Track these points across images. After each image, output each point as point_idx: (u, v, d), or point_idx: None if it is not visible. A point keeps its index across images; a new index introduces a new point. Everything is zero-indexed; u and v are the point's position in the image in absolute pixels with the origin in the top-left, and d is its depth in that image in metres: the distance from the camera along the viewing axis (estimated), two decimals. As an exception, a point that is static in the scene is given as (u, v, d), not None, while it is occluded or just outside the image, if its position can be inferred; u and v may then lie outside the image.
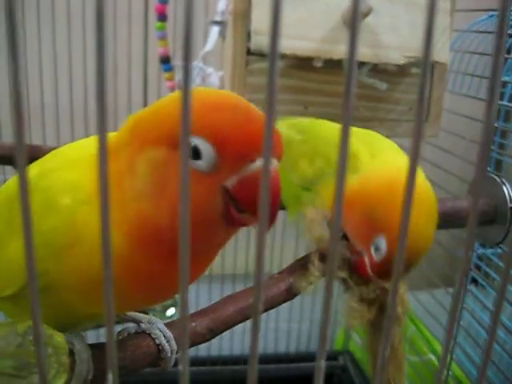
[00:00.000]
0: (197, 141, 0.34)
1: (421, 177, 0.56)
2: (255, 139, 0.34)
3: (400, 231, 0.51)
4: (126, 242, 0.36)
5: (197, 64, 0.87)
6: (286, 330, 1.24)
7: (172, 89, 0.93)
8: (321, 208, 0.60)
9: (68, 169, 0.40)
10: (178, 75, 0.90)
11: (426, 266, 1.00)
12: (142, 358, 0.46)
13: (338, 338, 1.27)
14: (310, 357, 1.25)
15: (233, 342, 1.19)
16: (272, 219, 0.35)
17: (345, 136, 0.26)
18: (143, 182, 0.35)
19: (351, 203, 0.52)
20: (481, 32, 0.87)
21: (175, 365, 0.48)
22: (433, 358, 0.94)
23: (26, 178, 0.24)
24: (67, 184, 0.38)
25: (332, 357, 1.24)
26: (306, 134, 0.66)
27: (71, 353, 0.40)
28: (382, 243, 0.52)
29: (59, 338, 0.38)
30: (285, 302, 0.60)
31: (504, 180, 0.73)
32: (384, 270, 0.52)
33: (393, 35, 0.72)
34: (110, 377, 0.28)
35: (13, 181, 0.43)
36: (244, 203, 0.35)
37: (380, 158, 0.58)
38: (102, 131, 0.23)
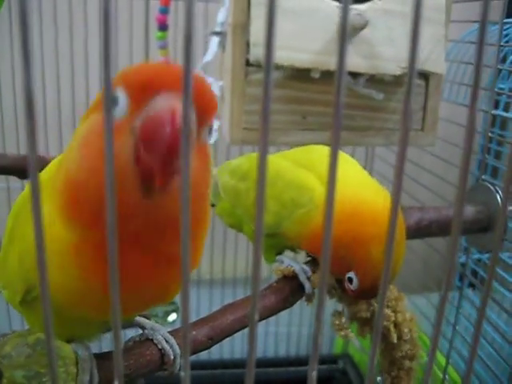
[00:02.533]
0: (116, 91, 0.34)
1: (383, 203, 0.59)
2: (156, 74, 0.34)
3: (367, 266, 0.56)
4: (63, 220, 0.35)
5: (197, 73, 0.88)
6: (286, 333, 1.25)
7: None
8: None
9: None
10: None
11: (422, 270, 1.01)
12: (145, 365, 0.48)
13: (337, 342, 1.28)
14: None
15: (233, 345, 1.21)
16: (168, 167, 0.32)
17: (334, 157, 0.27)
18: (73, 151, 0.36)
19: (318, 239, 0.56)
20: (475, 43, 0.88)
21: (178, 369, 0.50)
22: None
23: (38, 188, 0.25)
24: None
25: (332, 360, 1.26)
26: (248, 180, 0.68)
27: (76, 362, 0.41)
28: (354, 278, 0.58)
29: (66, 348, 0.40)
30: (284, 309, 0.62)
31: (498, 189, 0.74)
32: (361, 295, 0.60)
33: (389, 47, 0.74)
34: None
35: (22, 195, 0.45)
36: (146, 140, 0.32)
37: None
38: (108, 144, 0.25)
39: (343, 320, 0.68)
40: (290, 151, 0.73)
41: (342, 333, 0.69)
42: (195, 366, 1.18)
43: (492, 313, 0.94)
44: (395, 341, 0.65)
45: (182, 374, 0.30)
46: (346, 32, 0.25)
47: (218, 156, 1.04)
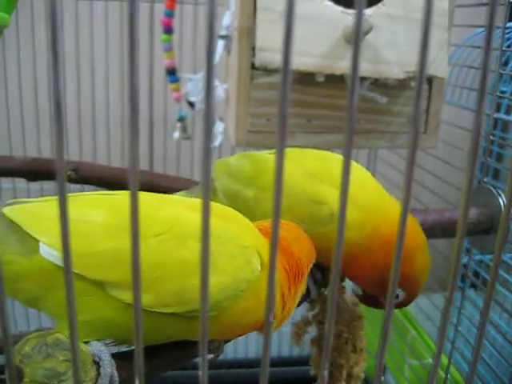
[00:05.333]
0: None
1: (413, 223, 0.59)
2: None
3: (412, 276, 0.57)
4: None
5: (202, 76, 0.89)
6: (289, 333, 1.26)
7: (178, 100, 0.96)
8: None
9: None
10: (185, 87, 0.92)
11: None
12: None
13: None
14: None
15: (248, 345, 1.23)
16: None
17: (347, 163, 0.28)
18: None
19: (364, 263, 0.56)
20: (477, 47, 0.89)
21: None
22: (432, 362, 0.97)
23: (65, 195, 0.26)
24: None
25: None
26: (257, 187, 0.64)
27: (97, 365, 0.42)
28: (400, 293, 0.60)
29: (84, 348, 0.41)
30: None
31: (500, 191, 0.75)
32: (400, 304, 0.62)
33: (393, 51, 0.75)
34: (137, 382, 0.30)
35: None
36: None
37: (356, 202, 0.57)
38: (133, 145, 0.26)
39: (306, 329, 0.72)
40: (303, 158, 0.68)
41: (297, 337, 0.73)
42: (210, 365, 1.19)
43: (494, 313, 0.95)
44: None
45: (200, 373, 0.31)
46: (360, 37, 0.26)
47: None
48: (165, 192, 0.58)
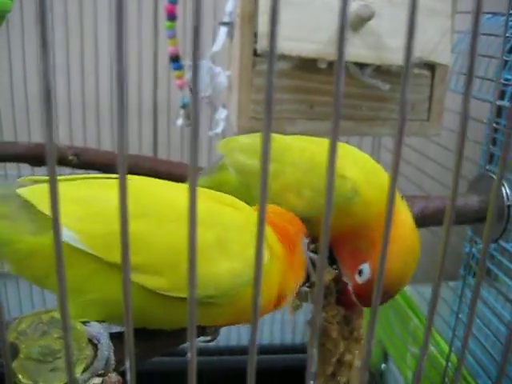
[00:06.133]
0: None
1: (405, 213, 0.59)
2: None
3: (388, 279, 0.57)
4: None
5: (206, 63, 0.89)
6: (292, 321, 1.27)
7: (181, 87, 0.96)
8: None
9: None
10: (188, 74, 0.93)
11: (428, 260, 1.02)
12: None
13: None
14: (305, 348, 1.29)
15: (240, 333, 1.23)
16: None
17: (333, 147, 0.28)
18: None
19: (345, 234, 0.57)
20: (482, 34, 0.89)
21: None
22: (433, 350, 0.97)
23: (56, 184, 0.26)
24: None
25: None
26: (279, 162, 0.63)
27: (94, 346, 0.43)
28: (366, 269, 0.57)
29: (79, 327, 0.41)
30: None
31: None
32: (364, 294, 0.58)
33: (394, 37, 0.74)
34: (127, 364, 0.31)
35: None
36: None
37: (376, 184, 0.57)
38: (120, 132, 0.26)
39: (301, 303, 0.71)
40: (323, 141, 0.69)
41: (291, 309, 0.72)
42: (203, 352, 1.20)
43: (497, 303, 0.95)
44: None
45: (189, 354, 0.31)
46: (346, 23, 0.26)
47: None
48: (168, 178, 0.59)
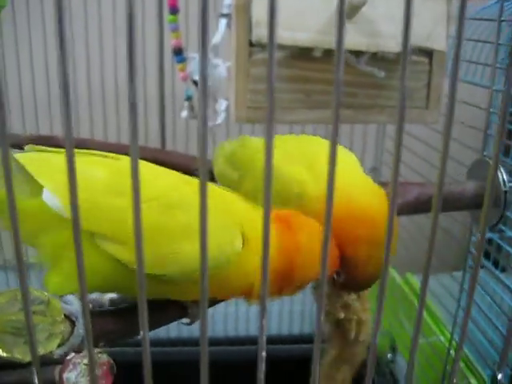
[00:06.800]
0: None
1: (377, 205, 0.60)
2: None
3: (353, 266, 0.59)
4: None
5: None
6: (299, 311, 1.28)
7: (184, 80, 0.98)
8: None
9: None
10: (189, 66, 0.94)
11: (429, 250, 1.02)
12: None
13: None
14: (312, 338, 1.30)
15: (249, 323, 1.25)
16: None
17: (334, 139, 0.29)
18: None
19: None
20: (485, 19, 0.88)
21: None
22: (438, 339, 0.97)
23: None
24: None
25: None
26: (244, 170, 0.66)
27: (72, 322, 0.45)
28: (341, 273, 0.61)
29: (55, 302, 0.43)
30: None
31: (499, 165, 0.74)
32: (346, 288, 0.66)
33: (389, 24, 0.74)
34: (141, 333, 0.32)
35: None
36: None
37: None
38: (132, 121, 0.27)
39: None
40: (284, 140, 0.72)
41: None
42: (213, 342, 1.22)
43: (504, 294, 0.94)
44: (351, 337, 0.70)
45: (141, 333, 0.33)
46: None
47: (231, 136, 1.07)
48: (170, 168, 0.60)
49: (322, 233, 0.31)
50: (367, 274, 0.59)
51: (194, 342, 1.16)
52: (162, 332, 1.24)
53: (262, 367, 0.33)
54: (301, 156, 0.65)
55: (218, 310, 1.23)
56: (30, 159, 0.49)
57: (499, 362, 0.78)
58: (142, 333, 0.30)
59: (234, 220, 0.49)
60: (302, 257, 0.50)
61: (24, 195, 0.46)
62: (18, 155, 0.49)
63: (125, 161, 0.52)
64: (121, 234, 0.43)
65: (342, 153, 0.67)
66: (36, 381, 0.33)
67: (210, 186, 0.52)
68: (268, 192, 0.29)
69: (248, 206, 0.53)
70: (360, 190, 0.61)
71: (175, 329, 1.30)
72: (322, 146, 0.67)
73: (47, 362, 0.45)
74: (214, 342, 1.26)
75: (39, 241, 0.46)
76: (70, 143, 0.26)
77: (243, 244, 0.48)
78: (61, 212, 0.45)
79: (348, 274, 0.60)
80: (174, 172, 0.57)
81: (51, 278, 0.43)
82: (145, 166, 0.52)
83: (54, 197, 0.45)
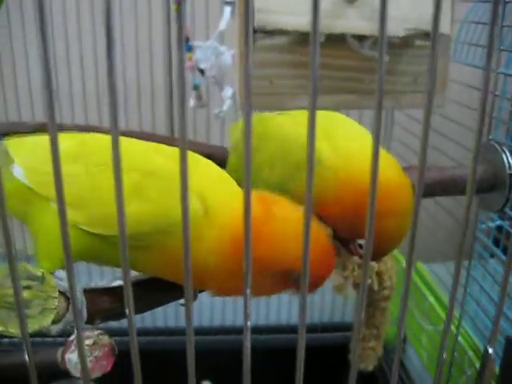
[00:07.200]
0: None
1: (391, 170, 0.59)
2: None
3: (379, 238, 0.57)
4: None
5: (211, 43, 0.91)
6: (308, 301, 1.28)
7: (191, 68, 0.98)
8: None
9: None
10: (196, 54, 0.94)
11: (443, 239, 1.01)
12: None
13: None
14: (337, 327, 1.30)
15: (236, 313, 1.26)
16: None
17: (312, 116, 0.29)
18: None
19: (335, 207, 0.57)
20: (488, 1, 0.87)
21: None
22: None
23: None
24: None
25: (350, 328, 1.27)
26: (257, 141, 0.66)
27: (67, 298, 0.45)
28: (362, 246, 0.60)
29: (51, 280, 0.44)
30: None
31: (504, 148, 0.73)
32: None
33: (392, 8, 0.73)
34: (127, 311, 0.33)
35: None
36: None
37: (342, 150, 0.58)
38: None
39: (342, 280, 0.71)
40: (296, 113, 0.73)
41: (343, 292, 0.72)
42: (200, 331, 1.23)
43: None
44: (376, 288, 0.68)
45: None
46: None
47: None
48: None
49: (302, 220, 0.30)
50: (390, 244, 0.58)
51: (181, 332, 1.17)
52: (148, 321, 1.24)
53: (247, 357, 0.33)
54: (317, 127, 0.63)
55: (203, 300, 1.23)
56: (12, 141, 0.52)
57: (489, 336, 0.77)
58: (127, 310, 0.31)
59: (195, 187, 0.46)
60: (270, 234, 0.46)
61: (8, 177, 0.48)
62: (5, 139, 0.52)
63: (92, 134, 0.53)
64: (73, 199, 0.45)
65: (357, 127, 0.66)
66: (27, 356, 0.33)
67: (194, 157, 0.52)
68: (248, 169, 0.30)
69: (226, 182, 0.51)
70: (382, 163, 0.59)
71: (162, 319, 1.28)
72: (336, 118, 0.66)
73: (51, 343, 0.46)
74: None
75: (29, 218, 0.48)
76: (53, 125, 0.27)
77: (204, 213, 0.45)
78: (24, 180, 0.47)
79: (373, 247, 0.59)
80: (153, 144, 0.56)
81: (38, 255, 0.45)
82: (122, 139, 0.53)
83: (18, 166, 0.48)
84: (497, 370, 0.68)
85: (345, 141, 0.59)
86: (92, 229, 0.44)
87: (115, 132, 0.27)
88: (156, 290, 0.52)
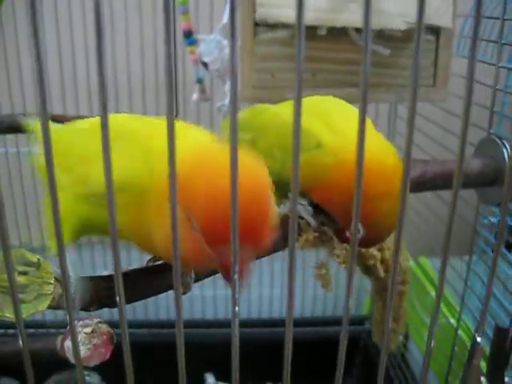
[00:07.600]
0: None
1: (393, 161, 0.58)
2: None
3: (374, 220, 0.57)
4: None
5: (214, 37, 0.91)
6: (312, 296, 1.28)
7: (195, 62, 0.98)
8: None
9: None
10: (199, 47, 0.95)
11: (443, 232, 1.01)
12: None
13: (365, 304, 1.30)
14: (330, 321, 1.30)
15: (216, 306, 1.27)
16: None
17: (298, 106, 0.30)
18: None
19: (332, 190, 0.57)
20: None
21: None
22: (447, 322, 0.96)
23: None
24: None
25: (358, 322, 1.28)
26: (256, 131, 0.66)
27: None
28: (360, 229, 0.58)
29: (47, 267, 0.45)
30: (284, 248, 0.62)
31: (505, 142, 0.73)
32: (363, 244, 0.62)
33: (393, 2, 0.74)
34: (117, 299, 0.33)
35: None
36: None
37: (341, 134, 0.58)
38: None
39: (324, 271, 0.72)
40: (292, 102, 0.73)
41: (325, 284, 0.73)
42: (190, 324, 1.25)
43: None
44: (382, 275, 0.68)
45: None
46: None
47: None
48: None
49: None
50: (386, 228, 0.58)
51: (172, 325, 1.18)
52: (140, 314, 1.25)
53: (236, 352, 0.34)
54: (315, 111, 0.63)
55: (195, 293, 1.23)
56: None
57: (477, 325, 0.77)
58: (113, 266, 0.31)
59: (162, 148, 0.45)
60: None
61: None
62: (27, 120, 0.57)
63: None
64: (67, 165, 0.47)
65: (354, 111, 0.66)
66: (20, 341, 0.34)
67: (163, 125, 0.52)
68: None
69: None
70: (377, 146, 0.59)
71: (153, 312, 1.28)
72: (333, 102, 0.66)
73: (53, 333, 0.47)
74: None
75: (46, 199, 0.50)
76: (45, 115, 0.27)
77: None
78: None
79: (368, 230, 0.58)
80: (145, 117, 0.55)
81: (50, 235, 0.45)
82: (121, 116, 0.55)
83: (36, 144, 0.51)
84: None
85: (343, 124, 0.59)
86: (74, 188, 0.46)
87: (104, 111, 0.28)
88: (157, 277, 0.53)
